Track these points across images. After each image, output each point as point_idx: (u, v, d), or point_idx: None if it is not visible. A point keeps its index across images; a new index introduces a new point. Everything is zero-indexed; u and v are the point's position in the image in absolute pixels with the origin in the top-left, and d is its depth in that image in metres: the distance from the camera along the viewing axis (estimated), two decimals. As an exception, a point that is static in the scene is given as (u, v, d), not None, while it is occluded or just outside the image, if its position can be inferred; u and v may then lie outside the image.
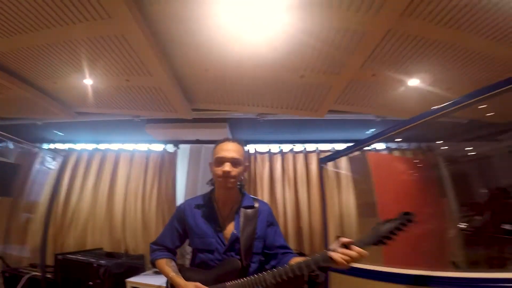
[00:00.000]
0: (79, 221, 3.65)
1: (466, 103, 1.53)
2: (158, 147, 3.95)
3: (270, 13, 1.70)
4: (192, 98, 2.79)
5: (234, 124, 3.45)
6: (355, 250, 0.94)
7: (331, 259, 0.96)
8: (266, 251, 1.32)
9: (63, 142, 4.16)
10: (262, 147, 3.86)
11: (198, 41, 1.92)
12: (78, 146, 4.09)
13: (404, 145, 4.15)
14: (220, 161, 1.26)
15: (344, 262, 0.93)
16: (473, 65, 2.31)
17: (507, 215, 3.59)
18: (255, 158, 3.76)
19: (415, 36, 1.95)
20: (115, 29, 1.67)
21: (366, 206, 2.68)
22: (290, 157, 3.77)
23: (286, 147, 3.84)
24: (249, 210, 1.32)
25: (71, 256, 2.85)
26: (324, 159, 2.53)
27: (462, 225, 3.54)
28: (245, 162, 1.34)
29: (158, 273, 2.79)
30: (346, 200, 3.49)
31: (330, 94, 2.53)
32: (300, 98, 2.66)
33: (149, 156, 3.90)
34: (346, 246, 0.96)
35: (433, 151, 4.11)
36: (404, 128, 1.95)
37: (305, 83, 2.39)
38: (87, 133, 3.89)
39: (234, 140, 1.33)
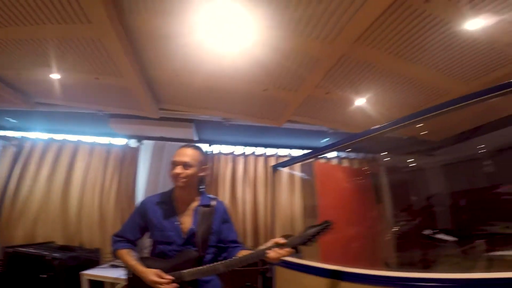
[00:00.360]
0: (29, 213, 3.51)
1: (404, 123, 1.88)
2: (120, 141, 3.94)
3: (241, 31, 1.89)
4: (160, 99, 2.88)
5: (200, 125, 3.58)
6: (285, 249, 1.21)
7: (266, 255, 1.22)
8: (219, 244, 1.51)
9: (16, 129, 3.94)
10: (227, 148, 4.05)
11: (172, 49, 2.05)
12: (32, 135, 3.91)
13: (353, 155, 4.63)
14: (173, 164, 1.45)
15: (275, 258, 1.21)
16: (411, 90, 2.71)
17: (432, 221, 4.18)
18: (219, 158, 3.93)
19: (364, 62, 2.27)
20: (92, 33, 1.74)
21: (310, 209, 3.00)
22: (251, 159, 4.01)
23: (248, 150, 4.07)
24: (206, 208, 1.50)
25: (22, 249, 2.78)
26: (276, 166, 2.80)
27: (396, 229, 4.04)
28: (202, 165, 1.51)
29: (115, 266, 2.86)
30: (298, 201, 3.82)
31: (289, 107, 2.80)
32: (263, 108, 2.90)
33: (111, 149, 3.87)
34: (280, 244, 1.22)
35: (377, 161, 4.62)
36: (351, 142, 2.28)
37: (268, 96, 2.64)
38: (43, 122, 3.74)
39: (190, 146, 1.51)
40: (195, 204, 1.51)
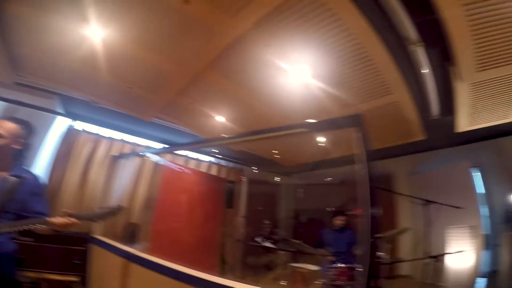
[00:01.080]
0: None
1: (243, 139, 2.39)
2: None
3: (105, 29, 2.04)
4: (21, 67, 2.73)
5: (68, 99, 3.43)
6: (70, 219, 1.44)
7: (52, 223, 1.42)
8: (22, 213, 1.54)
9: None
10: (93, 128, 3.92)
11: (46, 39, 2.12)
12: None
13: (223, 163, 5.20)
14: None
15: (60, 225, 1.42)
16: (249, 115, 3.21)
17: (272, 231, 4.97)
18: (80, 135, 3.78)
19: (213, 83, 2.70)
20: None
21: (149, 200, 3.28)
22: (118, 144, 4.02)
23: (117, 135, 4.07)
24: (14, 178, 1.54)
25: None
26: (117, 156, 3.05)
27: (241, 233, 4.63)
28: (17, 139, 1.58)
29: None
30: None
31: (153, 106, 3.07)
32: (129, 101, 3.08)
33: None
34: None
35: (240, 172, 5.32)
36: (196, 145, 2.66)
37: (132, 92, 2.85)
38: None
39: (8, 118, 1.60)
40: (3, 173, 1.55)
